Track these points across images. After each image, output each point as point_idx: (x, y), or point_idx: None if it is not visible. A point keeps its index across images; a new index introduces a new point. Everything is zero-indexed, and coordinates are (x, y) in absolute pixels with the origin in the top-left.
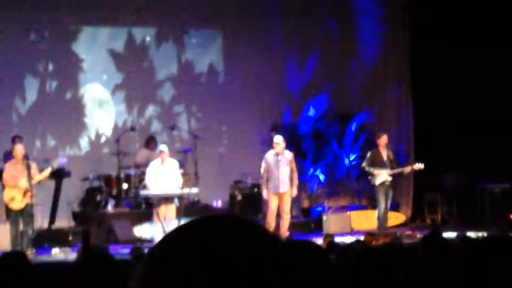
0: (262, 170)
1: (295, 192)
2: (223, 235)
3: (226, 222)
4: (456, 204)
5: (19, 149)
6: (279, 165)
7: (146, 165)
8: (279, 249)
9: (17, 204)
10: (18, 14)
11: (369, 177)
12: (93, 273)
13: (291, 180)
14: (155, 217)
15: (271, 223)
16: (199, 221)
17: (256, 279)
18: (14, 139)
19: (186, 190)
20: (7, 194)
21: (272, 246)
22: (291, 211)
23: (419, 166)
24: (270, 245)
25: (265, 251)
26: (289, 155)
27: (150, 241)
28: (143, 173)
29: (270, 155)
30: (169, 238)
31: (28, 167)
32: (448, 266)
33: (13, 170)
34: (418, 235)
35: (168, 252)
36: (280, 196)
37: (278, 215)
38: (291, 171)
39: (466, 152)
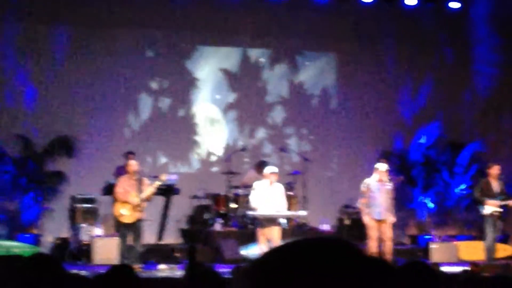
0: (361, 196)
1: (394, 218)
2: (328, 257)
3: (333, 244)
4: None
5: (133, 164)
6: (383, 192)
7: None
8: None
9: (128, 218)
10: (136, 31)
11: (478, 207)
12: None
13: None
14: (260, 238)
15: (373, 249)
16: (305, 241)
17: None
18: (128, 155)
19: (294, 213)
20: (118, 208)
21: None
22: (398, 237)
23: None
24: (377, 275)
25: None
26: (390, 183)
27: None
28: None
29: (372, 180)
30: (274, 254)
31: (140, 182)
32: None
33: (126, 185)
34: None
35: (271, 267)
36: (382, 222)
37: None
38: (391, 199)
39: None
